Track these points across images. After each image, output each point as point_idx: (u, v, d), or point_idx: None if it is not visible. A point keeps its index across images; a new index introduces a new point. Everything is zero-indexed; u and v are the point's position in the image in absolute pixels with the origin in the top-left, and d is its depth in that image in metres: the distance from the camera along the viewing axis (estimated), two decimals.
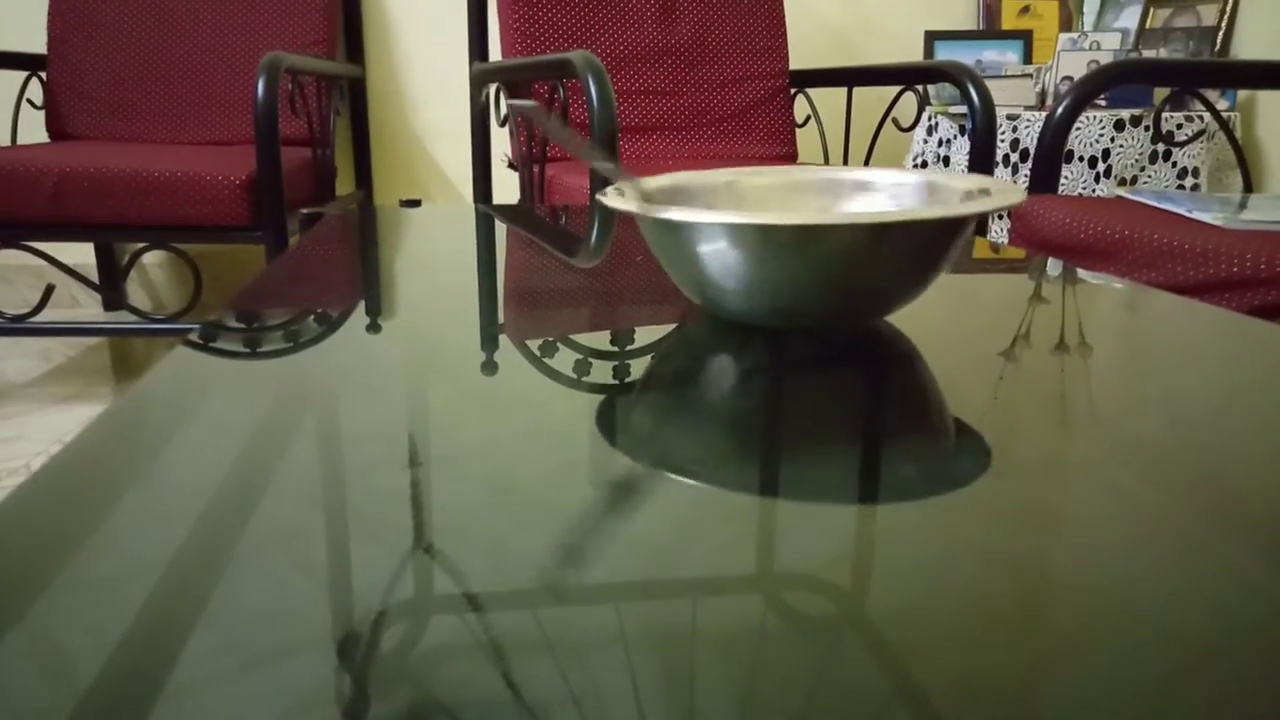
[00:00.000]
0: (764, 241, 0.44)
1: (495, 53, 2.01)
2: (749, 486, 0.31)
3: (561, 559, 0.25)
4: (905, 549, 0.26)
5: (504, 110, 1.83)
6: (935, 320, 0.61)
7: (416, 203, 0.97)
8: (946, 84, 2.07)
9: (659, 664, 0.19)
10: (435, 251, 0.80)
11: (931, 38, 2.31)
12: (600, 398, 0.40)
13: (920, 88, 1.83)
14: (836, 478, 0.33)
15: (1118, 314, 0.63)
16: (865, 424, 0.39)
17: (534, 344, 0.49)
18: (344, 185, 2.22)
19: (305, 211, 1.19)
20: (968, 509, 0.30)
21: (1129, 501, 0.30)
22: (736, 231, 0.44)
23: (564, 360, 0.47)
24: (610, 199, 0.50)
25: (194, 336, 0.50)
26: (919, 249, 0.47)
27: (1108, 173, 1.95)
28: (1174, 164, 1.97)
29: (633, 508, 0.30)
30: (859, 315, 0.53)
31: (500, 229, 0.90)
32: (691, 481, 0.32)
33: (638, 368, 0.46)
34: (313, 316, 0.55)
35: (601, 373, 0.45)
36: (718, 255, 0.46)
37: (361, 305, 0.60)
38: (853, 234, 0.44)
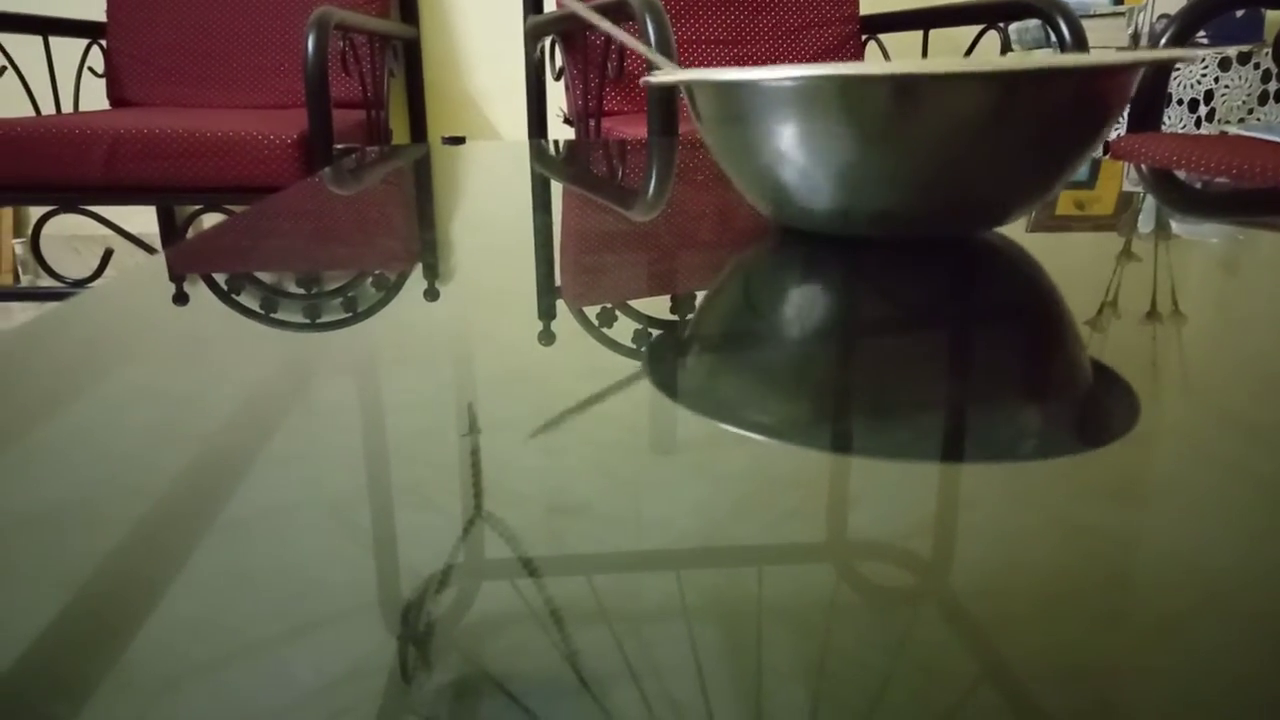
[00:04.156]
0: (854, 107, 0.35)
1: (550, 6, 1.94)
2: (827, 446, 0.25)
3: (621, 523, 0.21)
4: (1008, 521, 0.21)
5: (559, 64, 1.76)
6: (1054, 242, 0.52)
7: (460, 140, 0.91)
8: (1031, 26, 1.93)
9: (722, 636, 0.17)
10: (473, 183, 0.73)
11: None
12: (658, 343, 0.33)
13: (1003, 27, 1.70)
14: (935, 434, 0.26)
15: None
16: (979, 369, 0.32)
17: (584, 295, 0.42)
18: None
19: (340, 146, 1.14)
20: (1090, 479, 0.23)
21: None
22: (818, 93, 0.35)
23: (621, 320, 0.40)
24: (660, 76, 0.42)
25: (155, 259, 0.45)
26: (1064, 116, 0.37)
27: (1210, 116, 1.79)
28: None
29: (697, 469, 0.24)
30: (970, 221, 0.44)
31: (548, 164, 0.84)
32: (762, 438, 0.25)
33: (699, 304, 0.39)
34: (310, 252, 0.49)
35: (659, 312, 0.38)
36: (793, 136, 0.37)
37: (387, 242, 0.54)
38: (977, 90, 0.34)
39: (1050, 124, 0.37)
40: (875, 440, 0.24)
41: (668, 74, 0.42)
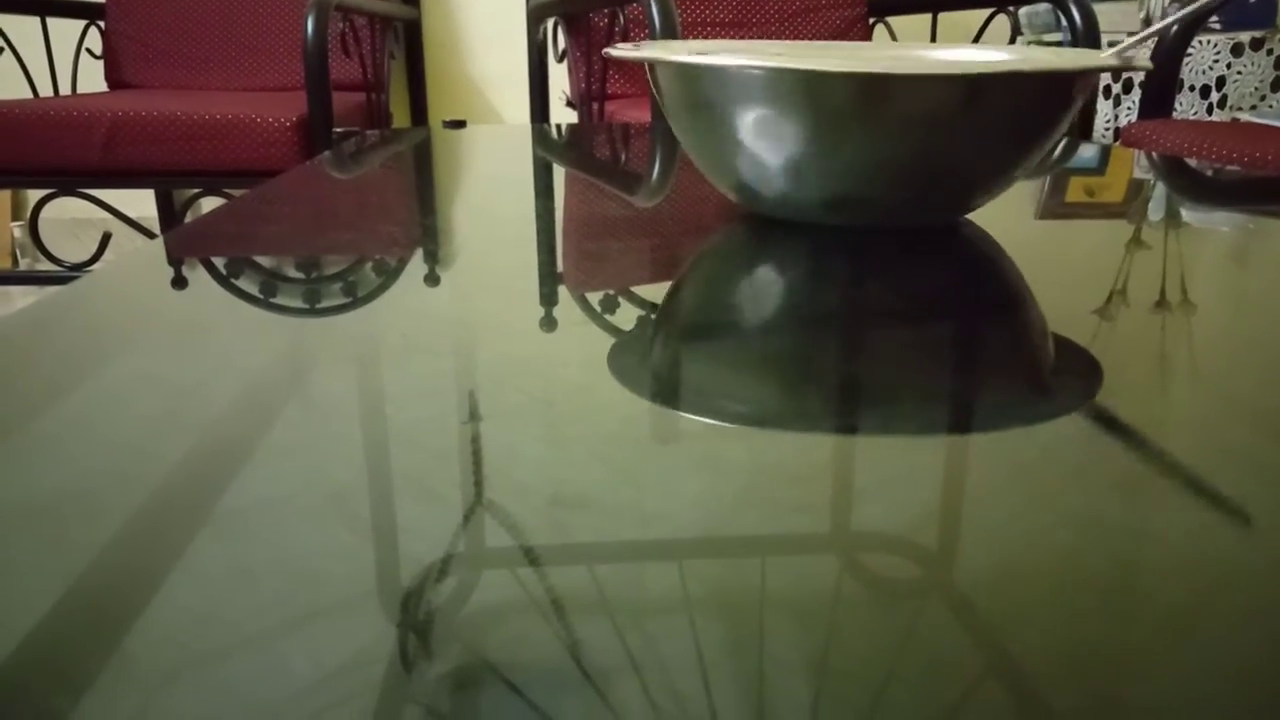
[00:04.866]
0: (818, 99, 0.35)
1: None
2: (819, 432, 0.25)
3: (621, 512, 0.21)
4: (1001, 507, 0.21)
5: (562, 46, 1.74)
6: (1025, 227, 0.51)
7: (461, 124, 0.89)
8: (1040, 10, 1.91)
9: (725, 628, 0.16)
10: (474, 168, 0.72)
11: None
12: (633, 335, 0.32)
13: (1012, 10, 1.68)
14: (915, 422, 0.25)
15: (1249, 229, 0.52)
16: (946, 357, 0.31)
17: (584, 282, 0.41)
18: None
19: (340, 130, 1.13)
20: (1074, 465, 0.23)
21: (1266, 464, 0.22)
22: (782, 84, 0.35)
23: (623, 306, 0.39)
24: (621, 50, 0.41)
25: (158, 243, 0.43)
26: (1020, 117, 0.37)
27: (1222, 103, 1.77)
28: None
29: (684, 459, 0.24)
30: (933, 209, 0.43)
31: (550, 149, 0.82)
32: (746, 427, 0.25)
33: (683, 294, 0.37)
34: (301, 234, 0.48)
35: (632, 303, 0.37)
36: (757, 124, 0.36)
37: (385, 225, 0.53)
38: (937, 91, 0.34)
39: (1006, 121, 0.37)
40: (871, 426, 0.23)
41: (629, 49, 0.41)
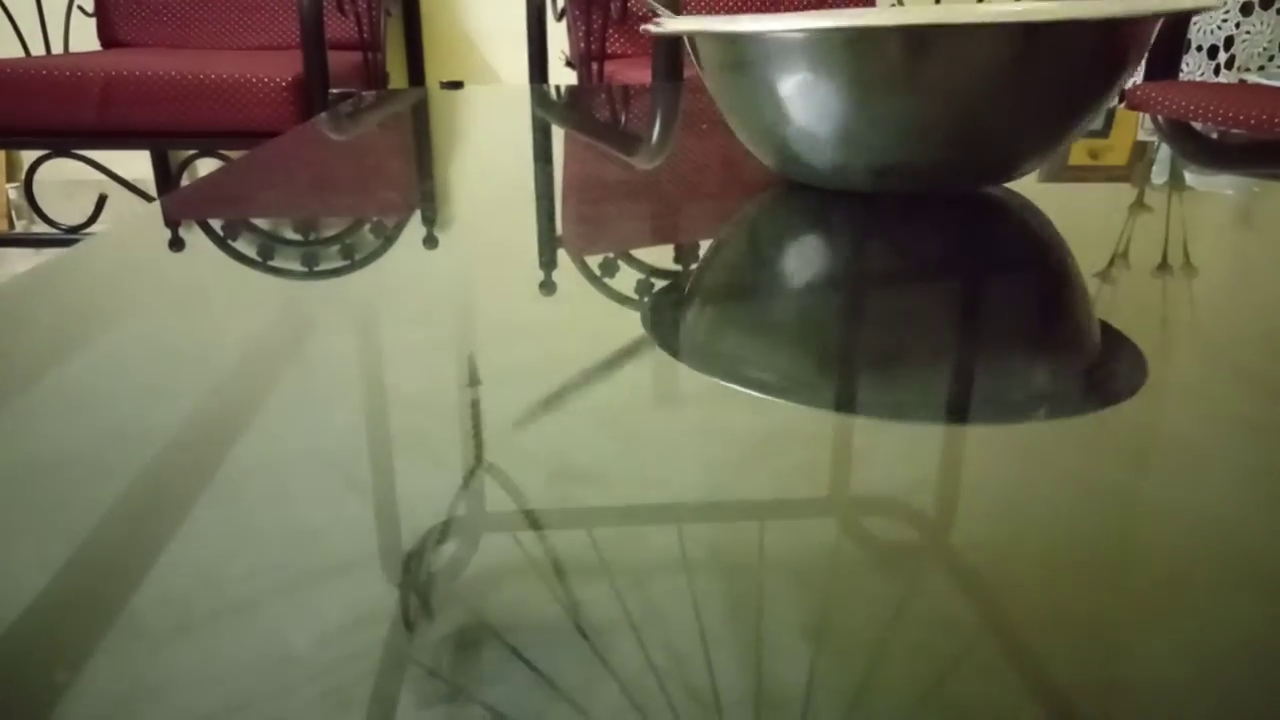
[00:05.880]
0: (860, 59, 0.34)
1: None
2: (833, 399, 0.25)
3: (623, 476, 0.21)
4: (1016, 476, 0.21)
5: (560, 4, 1.71)
6: (1065, 193, 0.51)
7: (459, 85, 0.88)
8: None
9: (724, 589, 0.17)
10: (472, 130, 0.71)
11: None
12: (659, 295, 0.32)
13: None
14: (938, 394, 0.25)
15: None
16: (987, 326, 0.31)
17: (585, 245, 0.41)
18: None
19: (336, 91, 1.11)
20: (1095, 436, 0.23)
21: None
22: (823, 44, 0.34)
23: (623, 270, 0.38)
24: (661, 25, 0.41)
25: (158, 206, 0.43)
26: (1077, 67, 0.35)
27: (1229, 64, 1.75)
28: None
29: (700, 423, 0.24)
30: (978, 175, 0.43)
31: (549, 110, 0.81)
32: (765, 394, 0.25)
33: (702, 258, 0.37)
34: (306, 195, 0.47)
35: (662, 262, 0.37)
36: (797, 87, 0.36)
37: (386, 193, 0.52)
38: (987, 40, 0.33)
39: (1063, 75, 0.36)
40: (879, 395, 0.23)
41: (669, 23, 0.40)
